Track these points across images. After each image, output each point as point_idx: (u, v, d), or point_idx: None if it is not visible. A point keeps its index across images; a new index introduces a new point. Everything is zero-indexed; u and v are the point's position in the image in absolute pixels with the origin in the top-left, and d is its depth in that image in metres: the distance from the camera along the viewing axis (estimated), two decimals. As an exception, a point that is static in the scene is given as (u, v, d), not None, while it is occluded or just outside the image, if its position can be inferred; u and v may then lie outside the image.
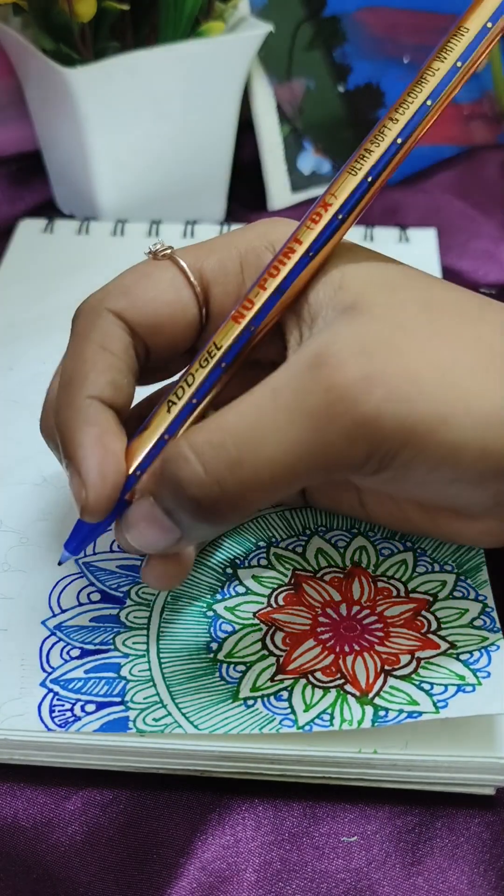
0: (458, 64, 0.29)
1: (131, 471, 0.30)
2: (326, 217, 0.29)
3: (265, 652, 0.33)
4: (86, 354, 0.30)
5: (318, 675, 0.32)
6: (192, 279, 0.31)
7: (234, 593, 0.35)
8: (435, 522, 0.34)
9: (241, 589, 0.35)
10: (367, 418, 0.26)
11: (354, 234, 0.54)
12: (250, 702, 0.31)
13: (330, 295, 0.29)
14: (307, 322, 0.29)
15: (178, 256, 0.31)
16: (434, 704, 0.30)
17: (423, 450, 0.27)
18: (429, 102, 0.29)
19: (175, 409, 0.30)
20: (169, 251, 0.31)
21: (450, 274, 0.55)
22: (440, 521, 0.34)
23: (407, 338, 0.27)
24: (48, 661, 0.33)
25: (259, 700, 0.31)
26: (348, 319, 0.28)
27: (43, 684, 0.32)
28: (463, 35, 0.29)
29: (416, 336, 0.27)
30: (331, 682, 0.32)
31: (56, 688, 0.32)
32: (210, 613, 0.34)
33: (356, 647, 0.32)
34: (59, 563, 0.33)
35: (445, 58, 0.29)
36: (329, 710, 0.31)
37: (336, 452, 0.26)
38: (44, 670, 0.32)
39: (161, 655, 0.33)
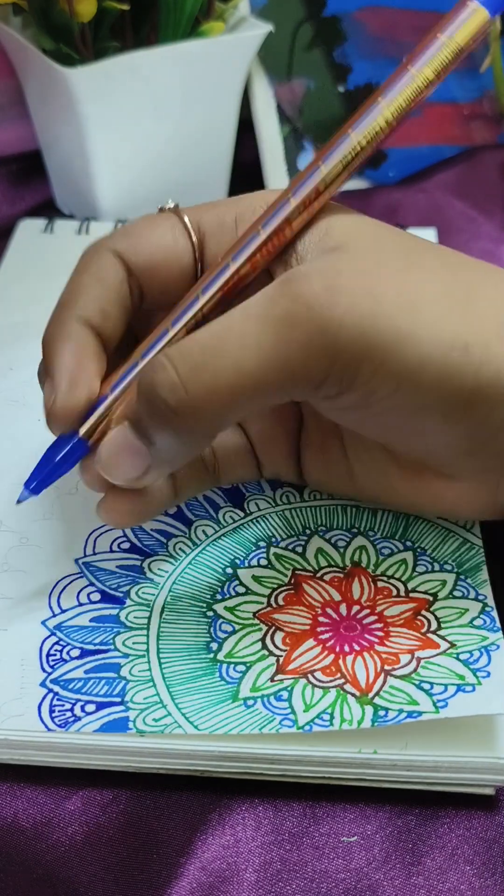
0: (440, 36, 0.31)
1: (105, 393, 0.31)
2: (312, 171, 0.31)
3: (265, 652, 0.33)
4: (82, 283, 0.32)
5: (318, 675, 0.32)
6: (189, 229, 0.33)
7: (233, 593, 0.35)
8: (417, 489, 0.34)
9: (241, 589, 0.35)
10: (328, 326, 0.27)
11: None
12: (250, 702, 0.31)
13: (315, 240, 0.30)
14: (293, 266, 0.31)
15: (182, 211, 0.34)
16: (434, 704, 0.30)
17: (382, 366, 0.27)
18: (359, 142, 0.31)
19: (151, 338, 0.31)
20: (174, 206, 0.34)
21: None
22: (422, 487, 0.34)
23: (379, 267, 0.28)
24: (48, 661, 0.33)
25: (259, 700, 0.31)
26: (328, 255, 0.29)
27: (43, 684, 0.32)
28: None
29: (389, 267, 0.28)
30: (331, 681, 0.32)
31: (56, 688, 0.32)
32: (210, 613, 0.34)
33: (356, 647, 0.33)
34: (18, 502, 0.33)
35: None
36: (329, 710, 0.31)
37: (297, 360, 0.27)
38: (44, 670, 0.32)
39: (161, 655, 0.33)
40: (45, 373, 0.32)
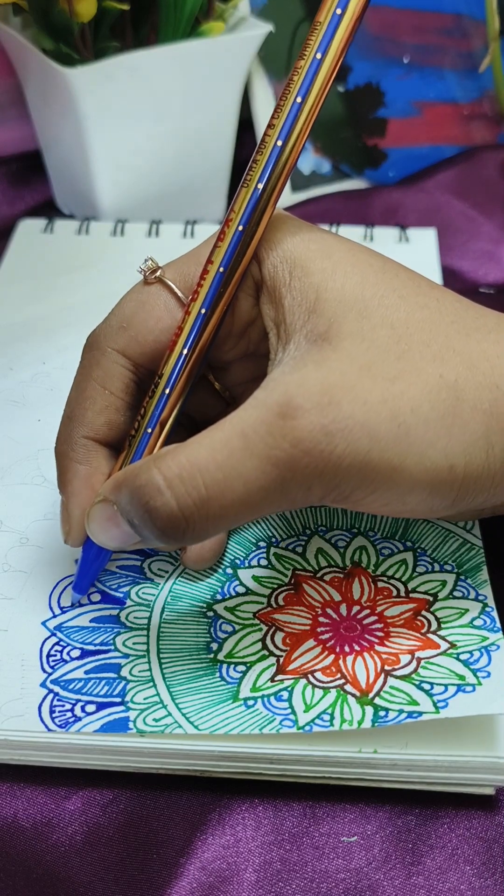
0: (318, 56, 0.29)
1: None
2: (230, 232, 0.31)
3: (265, 652, 0.33)
4: (87, 392, 0.33)
5: (318, 675, 0.32)
6: (182, 300, 0.32)
7: (234, 593, 0.35)
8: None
9: (241, 589, 0.35)
10: (326, 469, 0.28)
11: (354, 234, 0.54)
12: (250, 702, 0.31)
13: (303, 319, 0.30)
14: (283, 339, 0.31)
15: (167, 276, 0.33)
16: (434, 704, 0.30)
17: (374, 491, 0.29)
18: (298, 99, 0.30)
19: (134, 442, 0.32)
20: (158, 272, 0.33)
21: (450, 274, 0.55)
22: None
23: (371, 382, 0.28)
24: (48, 662, 0.33)
25: (259, 700, 0.31)
26: (317, 357, 0.29)
27: (43, 685, 0.32)
28: (317, 29, 0.29)
29: (380, 380, 0.28)
30: (331, 682, 0.32)
31: (56, 688, 0.32)
32: (210, 613, 0.34)
33: (356, 648, 0.33)
34: (72, 605, 0.34)
35: (305, 55, 0.30)
36: (329, 711, 0.31)
37: (296, 495, 0.29)
38: (44, 671, 0.32)
39: (161, 656, 0.33)
40: (60, 490, 0.33)
